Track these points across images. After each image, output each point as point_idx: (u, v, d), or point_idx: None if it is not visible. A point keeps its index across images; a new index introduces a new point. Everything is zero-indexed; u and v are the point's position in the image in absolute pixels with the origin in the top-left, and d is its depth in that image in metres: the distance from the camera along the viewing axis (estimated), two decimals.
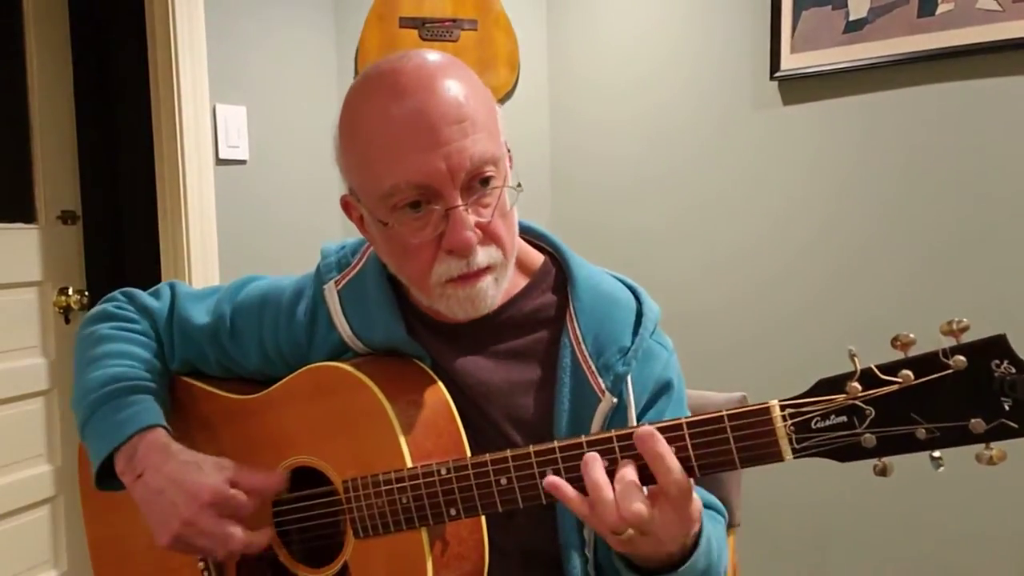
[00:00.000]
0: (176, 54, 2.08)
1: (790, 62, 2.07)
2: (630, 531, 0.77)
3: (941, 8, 1.85)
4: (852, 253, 2.04)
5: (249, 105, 2.24)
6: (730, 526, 1.26)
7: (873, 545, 2.04)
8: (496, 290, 0.93)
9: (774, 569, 2.15)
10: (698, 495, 0.83)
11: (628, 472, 0.78)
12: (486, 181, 0.89)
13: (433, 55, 0.90)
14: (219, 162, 2.19)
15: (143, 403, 1.03)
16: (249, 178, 2.26)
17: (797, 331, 2.11)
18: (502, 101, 2.44)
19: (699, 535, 0.84)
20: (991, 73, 1.84)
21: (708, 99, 2.24)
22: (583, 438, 0.82)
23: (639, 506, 0.76)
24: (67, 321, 2.38)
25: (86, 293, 2.41)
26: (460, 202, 0.87)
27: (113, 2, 2.50)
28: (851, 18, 1.97)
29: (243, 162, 2.24)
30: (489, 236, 0.90)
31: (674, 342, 1.05)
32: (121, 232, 2.60)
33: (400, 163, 0.86)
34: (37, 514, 2.34)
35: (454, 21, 2.36)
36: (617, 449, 0.80)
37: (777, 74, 2.09)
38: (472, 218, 0.88)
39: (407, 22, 2.34)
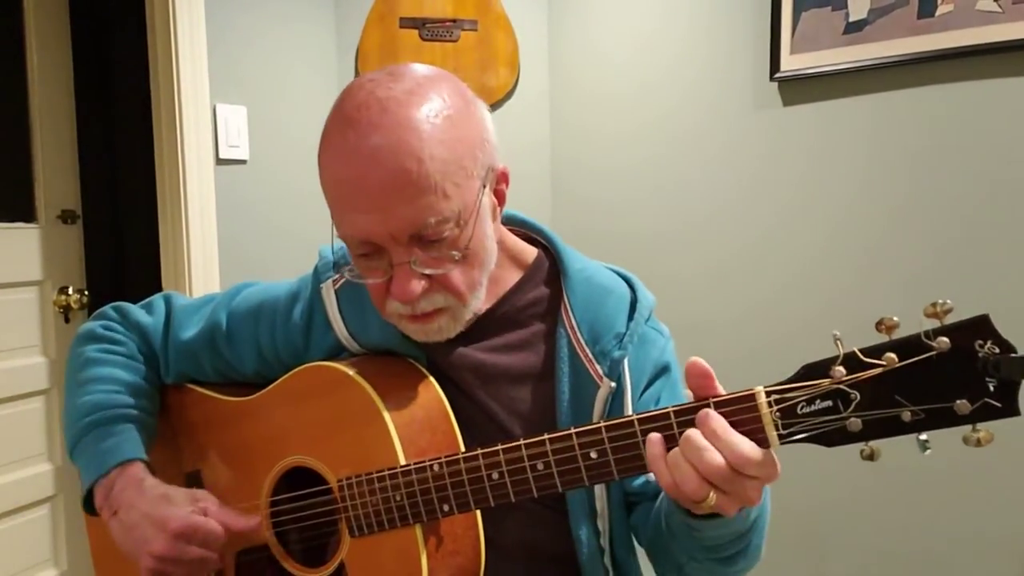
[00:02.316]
0: (176, 54, 2.09)
1: (790, 63, 2.07)
2: (712, 496, 0.75)
3: (941, 9, 1.85)
4: (853, 252, 2.04)
5: (249, 105, 2.24)
6: None
7: (873, 545, 2.04)
8: (454, 323, 0.95)
9: (773, 569, 2.15)
10: None
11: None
12: (439, 240, 0.88)
13: (401, 91, 0.86)
14: (219, 162, 2.19)
15: (123, 434, 1.04)
16: (249, 178, 2.26)
17: (797, 329, 2.11)
18: (502, 101, 2.44)
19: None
20: (991, 74, 1.83)
21: (708, 99, 2.24)
22: (572, 430, 0.83)
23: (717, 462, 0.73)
24: (67, 320, 2.38)
25: (86, 292, 2.42)
26: (403, 259, 0.87)
27: (113, 1, 2.50)
28: (851, 19, 1.97)
29: (243, 162, 2.24)
30: (440, 284, 0.90)
31: (679, 351, 1.05)
32: (121, 232, 2.60)
33: (347, 219, 0.88)
34: (37, 513, 2.34)
35: (454, 21, 2.36)
36: (606, 440, 0.80)
37: (777, 75, 2.09)
38: (420, 270, 0.88)
39: (407, 22, 2.35)
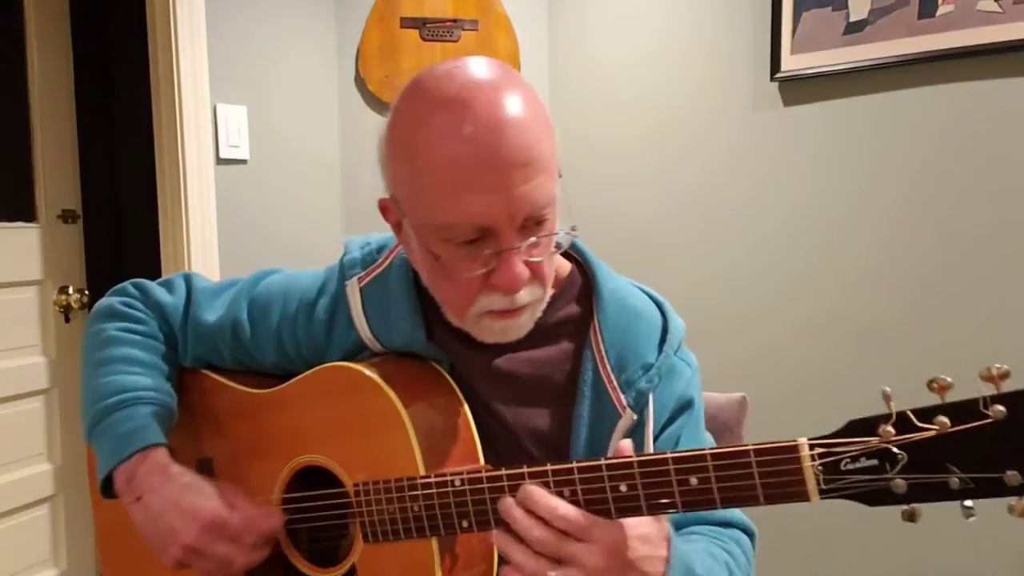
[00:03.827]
0: (176, 54, 2.08)
1: (790, 63, 2.07)
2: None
3: (941, 9, 1.85)
4: (856, 252, 2.04)
5: (249, 105, 2.24)
6: None
7: (874, 547, 2.04)
8: (531, 322, 0.93)
9: (774, 570, 2.15)
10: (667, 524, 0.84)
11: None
12: (542, 223, 0.86)
13: (499, 76, 0.85)
14: (219, 162, 2.19)
15: (144, 418, 1.01)
16: (249, 178, 2.25)
17: (801, 335, 2.11)
18: None
19: (669, 559, 0.83)
20: (991, 74, 1.84)
21: (708, 99, 2.24)
22: (602, 460, 0.80)
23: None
24: (67, 320, 2.38)
25: (86, 292, 2.41)
26: (516, 244, 0.85)
27: (114, 2, 2.50)
28: (851, 19, 1.97)
29: (243, 162, 2.24)
30: (535, 275, 0.89)
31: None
32: (121, 231, 2.60)
33: (462, 202, 0.83)
34: (37, 513, 2.34)
35: (455, 21, 2.36)
36: (638, 475, 0.79)
37: (777, 75, 2.09)
38: (524, 258, 0.86)
39: (408, 22, 2.34)
